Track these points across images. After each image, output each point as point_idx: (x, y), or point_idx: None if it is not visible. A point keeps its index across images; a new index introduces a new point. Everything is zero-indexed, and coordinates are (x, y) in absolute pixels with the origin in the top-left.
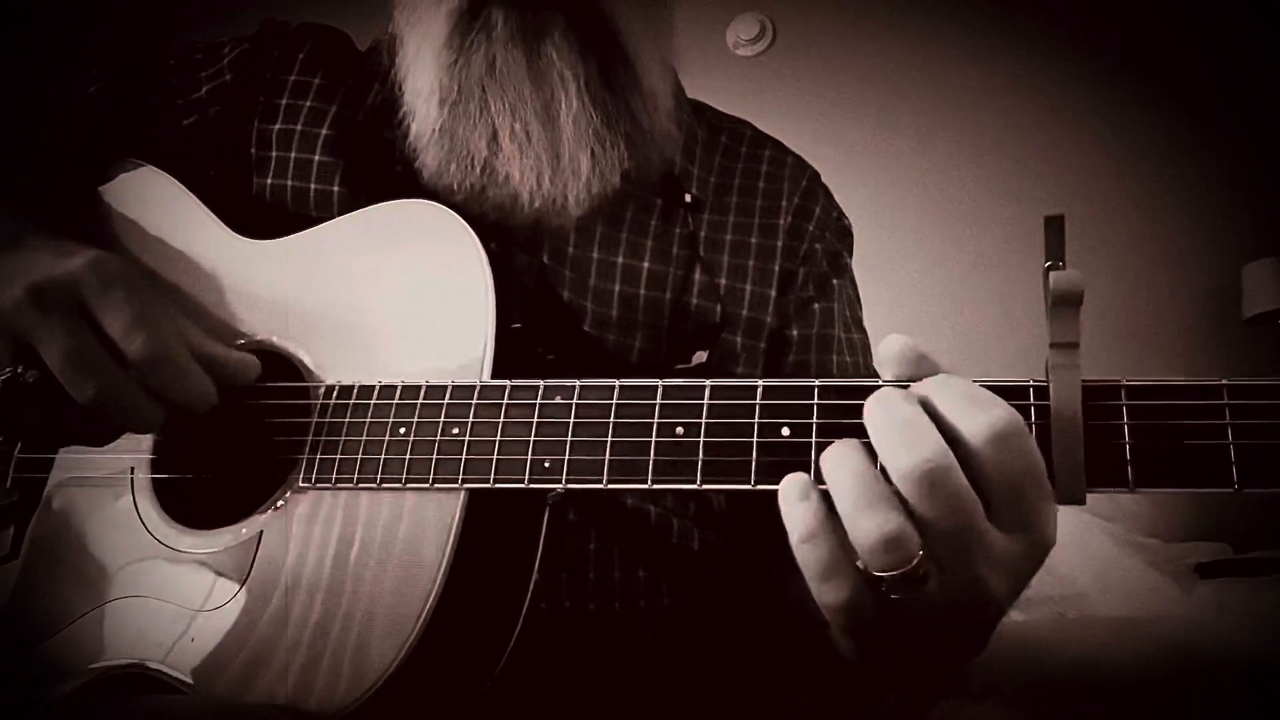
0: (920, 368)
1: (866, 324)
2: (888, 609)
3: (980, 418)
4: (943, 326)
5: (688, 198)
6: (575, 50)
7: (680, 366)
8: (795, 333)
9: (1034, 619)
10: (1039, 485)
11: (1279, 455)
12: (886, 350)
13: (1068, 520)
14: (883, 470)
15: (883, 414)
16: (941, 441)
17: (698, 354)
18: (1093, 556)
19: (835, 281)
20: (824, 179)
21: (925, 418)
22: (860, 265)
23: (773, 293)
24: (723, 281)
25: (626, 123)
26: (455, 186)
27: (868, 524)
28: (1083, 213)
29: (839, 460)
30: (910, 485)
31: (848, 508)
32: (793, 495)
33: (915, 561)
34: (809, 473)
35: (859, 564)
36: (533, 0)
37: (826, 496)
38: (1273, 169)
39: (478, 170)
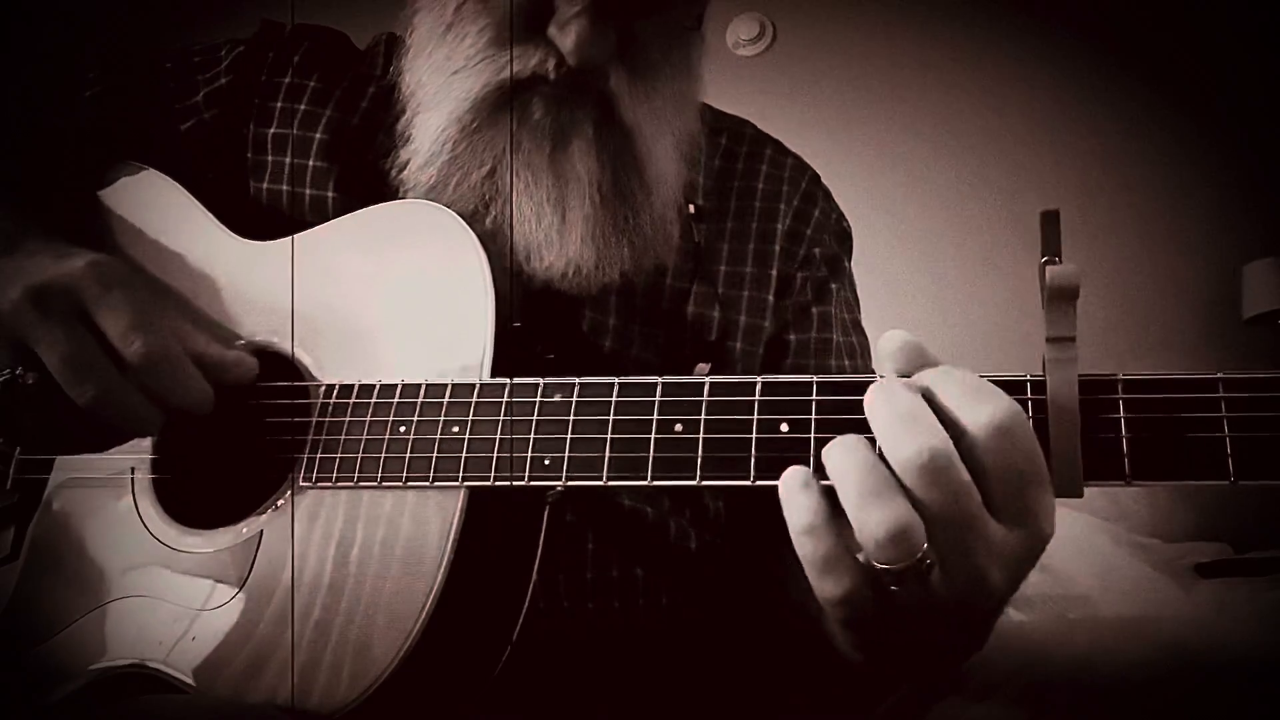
0: (919, 363)
1: (866, 324)
2: (887, 603)
3: (982, 409)
4: (943, 325)
5: (691, 208)
6: (593, 154)
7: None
8: (793, 337)
9: (1034, 619)
10: (1038, 478)
11: (1274, 448)
12: (886, 345)
13: (1068, 520)
14: (883, 459)
15: (884, 403)
16: (942, 431)
17: (700, 366)
18: (1093, 556)
19: (833, 285)
20: (824, 179)
21: (926, 408)
22: (860, 265)
23: (770, 298)
24: (721, 289)
25: (631, 229)
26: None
27: (876, 516)
28: (1083, 213)
29: (844, 452)
30: (911, 474)
31: (854, 498)
32: (795, 486)
33: (920, 554)
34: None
35: (860, 556)
36: (569, 103)
37: (827, 491)
38: (1273, 169)
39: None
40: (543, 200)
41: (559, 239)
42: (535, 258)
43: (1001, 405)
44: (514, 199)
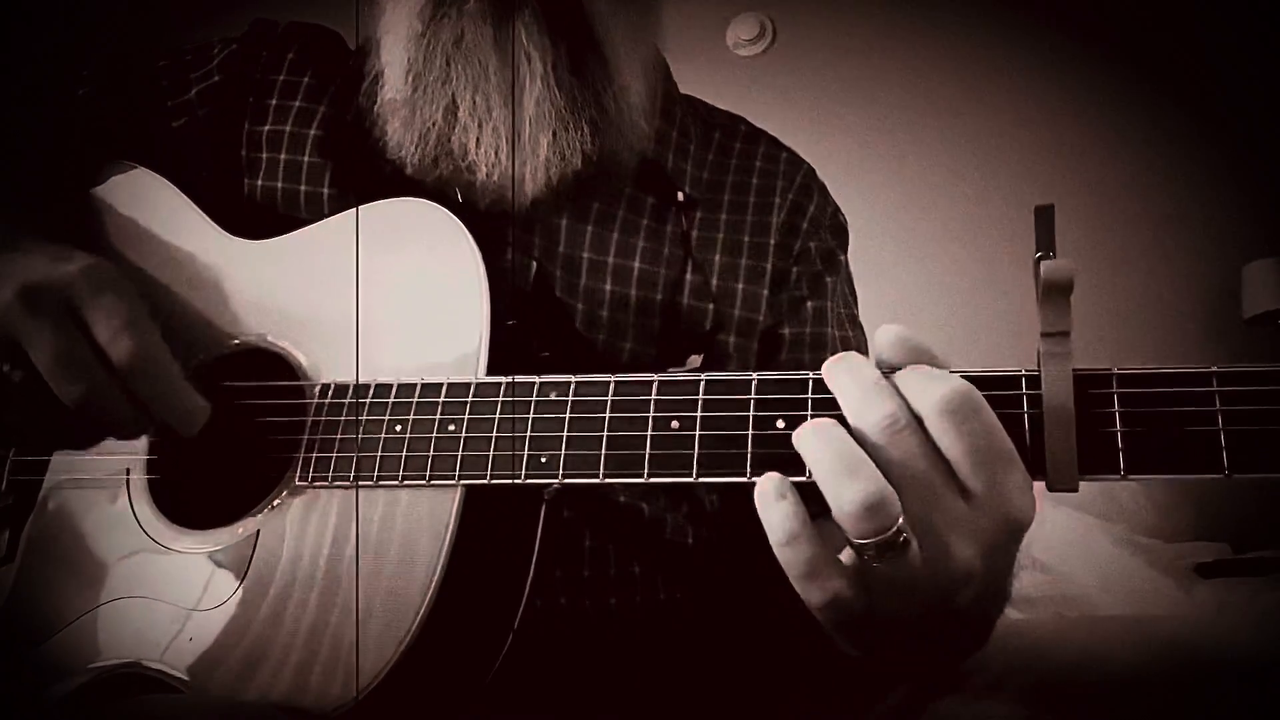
0: (915, 356)
1: (864, 321)
2: (873, 600)
3: (933, 390)
4: (941, 324)
5: (680, 196)
6: (544, 32)
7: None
8: (788, 331)
9: (1034, 619)
10: (999, 454)
11: (1268, 441)
12: (881, 339)
13: (1068, 520)
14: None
15: (848, 377)
16: (904, 403)
17: (692, 358)
18: (1093, 556)
19: (829, 279)
20: (823, 177)
21: (888, 382)
22: (859, 263)
23: (765, 291)
24: (715, 281)
25: (592, 109)
26: (409, 158)
27: (850, 491)
28: (1083, 213)
29: (816, 434)
30: (878, 438)
31: (829, 477)
32: (770, 495)
33: (896, 526)
34: (805, 466)
35: (842, 556)
36: None
37: (805, 490)
38: (1273, 169)
39: (432, 142)
40: (490, 93)
41: (509, 135)
42: (490, 165)
43: (952, 385)
44: (473, 100)
